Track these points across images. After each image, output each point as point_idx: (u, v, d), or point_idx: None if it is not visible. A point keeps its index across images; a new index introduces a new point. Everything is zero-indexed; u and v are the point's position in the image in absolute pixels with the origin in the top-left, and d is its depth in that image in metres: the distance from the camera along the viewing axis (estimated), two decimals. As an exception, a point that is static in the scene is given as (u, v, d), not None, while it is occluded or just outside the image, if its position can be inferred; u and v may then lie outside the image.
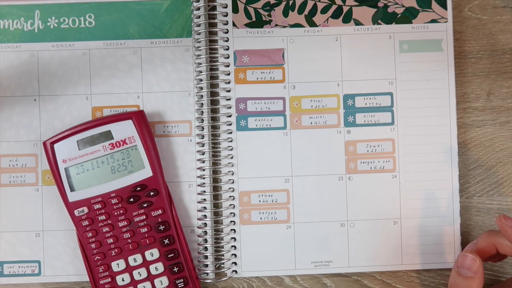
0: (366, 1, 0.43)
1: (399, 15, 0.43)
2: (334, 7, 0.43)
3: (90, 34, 0.43)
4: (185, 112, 0.42)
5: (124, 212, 0.40)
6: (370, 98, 0.43)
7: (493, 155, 0.43)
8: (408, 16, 0.43)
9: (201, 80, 0.42)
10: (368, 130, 0.43)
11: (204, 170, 0.42)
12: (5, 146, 0.42)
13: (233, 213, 0.42)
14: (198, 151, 0.42)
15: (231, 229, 0.42)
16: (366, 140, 0.43)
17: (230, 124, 0.42)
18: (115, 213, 0.40)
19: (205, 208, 0.42)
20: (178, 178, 0.42)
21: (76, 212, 0.39)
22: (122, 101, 0.42)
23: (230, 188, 0.42)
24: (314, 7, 0.43)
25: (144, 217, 0.40)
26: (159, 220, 0.40)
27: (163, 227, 0.40)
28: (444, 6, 0.43)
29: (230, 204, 0.42)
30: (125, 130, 0.40)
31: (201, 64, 0.42)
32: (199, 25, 0.42)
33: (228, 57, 0.42)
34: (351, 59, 0.43)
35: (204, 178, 0.42)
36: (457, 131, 0.42)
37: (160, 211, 0.40)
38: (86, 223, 0.39)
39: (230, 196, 0.42)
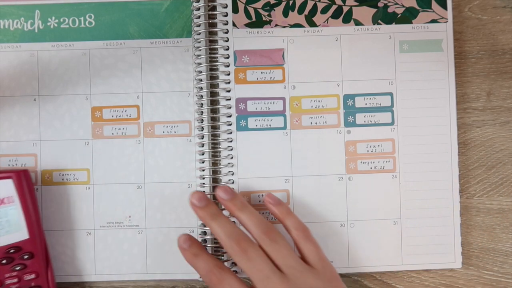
0: (366, 1, 0.43)
1: (399, 15, 0.43)
2: (334, 7, 0.43)
3: (90, 34, 0.43)
4: (185, 112, 0.42)
5: None
6: (370, 98, 0.43)
7: (493, 155, 0.43)
8: (408, 16, 0.43)
9: (201, 80, 0.41)
10: (368, 130, 0.43)
11: (204, 170, 0.42)
12: (5, 146, 0.42)
13: (233, 213, 0.42)
14: (198, 151, 0.42)
15: (231, 229, 0.42)
16: (366, 140, 0.43)
17: (230, 124, 0.42)
18: None
19: (205, 208, 0.42)
20: (178, 178, 0.42)
21: None
22: (122, 101, 0.42)
23: (230, 188, 0.42)
24: (314, 7, 0.43)
25: (16, 279, 0.38)
26: (32, 284, 0.39)
27: None
28: (444, 6, 0.43)
29: (230, 204, 0.42)
30: (5, 189, 0.38)
31: (201, 64, 0.42)
32: (199, 25, 0.41)
33: (228, 57, 0.42)
34: (351, 59, 0.43)
35: (204, 178, 0.42)
36: (457, 131, 0.42)
37: (33, 275, 0.39)
38: None
39: (230, 196, 0.42)
